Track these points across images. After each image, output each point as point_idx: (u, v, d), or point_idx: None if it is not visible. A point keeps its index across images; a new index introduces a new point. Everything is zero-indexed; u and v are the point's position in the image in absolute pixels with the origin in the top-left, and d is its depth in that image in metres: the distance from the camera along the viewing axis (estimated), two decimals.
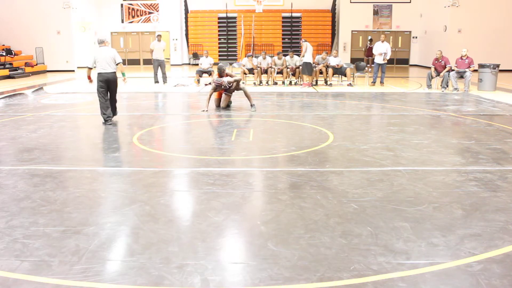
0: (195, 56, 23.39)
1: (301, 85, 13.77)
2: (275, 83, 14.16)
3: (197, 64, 16.54)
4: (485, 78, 12.65)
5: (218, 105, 9.54)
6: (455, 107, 9.81)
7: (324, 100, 11.03)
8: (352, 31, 23.51)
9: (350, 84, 13.90)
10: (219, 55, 23.64)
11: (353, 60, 20.06)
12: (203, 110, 9.06)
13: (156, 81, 14.48)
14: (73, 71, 20.20)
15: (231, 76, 9.55)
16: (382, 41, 13.85)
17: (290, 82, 14.33)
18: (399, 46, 23.75)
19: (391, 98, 11.41)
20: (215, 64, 15.40)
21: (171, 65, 23.41)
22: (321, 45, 23.40)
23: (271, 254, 3.04)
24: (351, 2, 23.12)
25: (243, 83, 12.79)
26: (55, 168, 5.11)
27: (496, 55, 17.51)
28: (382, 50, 13.69)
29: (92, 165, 5.34)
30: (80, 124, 8.37)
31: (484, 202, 4.03)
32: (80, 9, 21.18)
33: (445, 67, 12.79)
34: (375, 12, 23.34)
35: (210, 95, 9.32)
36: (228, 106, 9.49)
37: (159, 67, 14.22)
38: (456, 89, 12.44)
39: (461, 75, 12.58)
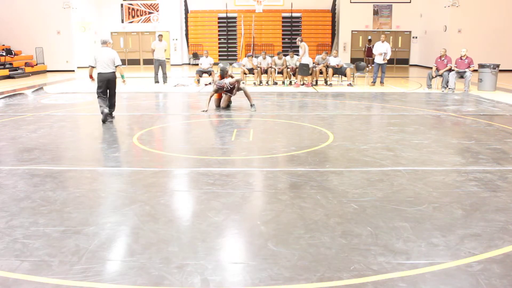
0: (195, 56, 23.39)
1: (302, 84, 13.78)
2: (275, 83, 14.16)
3: (197, 64, 16.54)
4: (485, 78, 12.65)
5: (218, 105, 9.54)
6: (455, 107, 9.81)
7: (324, 100, 11.03)
8: (352, 31, 23.51)
9: (350, 84, 13.90)
10: (219, 55, 23.64)
11: (353, 60, 20.08)
12: (203, 110, 9.06)
13: (157, 81, 14.48)
14: (73, 71, 20.20)
15: (231, 77, 9.55)
16: (382, 41, 13.85)
17: (290, 82, 14.33)
18: (399, 46, 23.75)
19: (391, 98, 11.41)
20: (215, 64, 15.42)
21: (171, 65, 23.41)
22: (321, 45, 23.41)
23: (271, 254, 3.04)
24: (351, 2, 23.12)
25: (243, 83, 12.80)
26: (55, 168, 5.11)
27: (496, 55, 17.51)
28: (382, 50, 13.69)
29: (92, 165, 5.34)
30: (80, 124, 8.37)
31: (484, 202, 4.03)
32: (80, 9, 21.18)
33: (447, 66, 12.79)
34: (375, 12, 23.35)
35: (211, 97, 9.32)
36: (228, 106, 9.49)
37: (160, 67, 14.23)
38: (450, 89, 12.42)
39: (461, 75, 12.58)
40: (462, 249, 3.12)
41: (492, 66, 12.58)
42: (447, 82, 12.62)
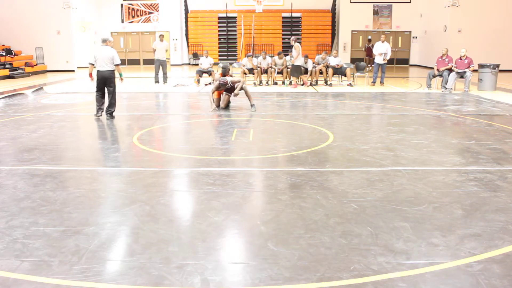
0: (195, 56, 23.39)
1: (301, 84, 13.78)
2: (275, 83, 14.16)
3: (197, 64, 16.54)
4: (485, 78, 12.65)
5: (217, 105, 9.54)
6: (455, 107, 9.81)
7: (324, 100, 11.03)
8: (352, 31, 23.51)
9: (350, 84, 13.90)
10: (219, 55, 23.64)
11: (353, 60, 20.07)
12: (212, 110, 9.14)
13: (157, 81, 14.49)
14: (73, 71, 20.20)
15: (231, 77, 9.57)
16: (382, 41, 13.85)
17: (290, 82, 14.32)
18: (399, 46, 23.75)
19: (391, 98, 11.41)
20: (215, 64, 15.43)
21: (171, 65, 23.41)
22: (321, 45, 23.41)
23: (271, 254, 3.04)
24: (351, 2, 23.12)
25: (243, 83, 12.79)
26: (55, 168, 5.11)
27: (496, 55, 17.51)
28: (382, 50, 13.69)
29: (92, 165, 5.35)
30: (80, 124, 8.37)
31: (484, 202, 4.03)
32: (80, 9, 21.18)
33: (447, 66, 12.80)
34: (375, 12, 23.35)
35: (213, 93, 9.35)
36: (227, 106, 9.49)
37: (161, 67, 14.23)
38: (448, 89, 12.40)
39: (461, 75, 12.58)
40: (462, 249, 3.12)
41: (492, 66, 12.58)
42: (447, 82, 12.62)
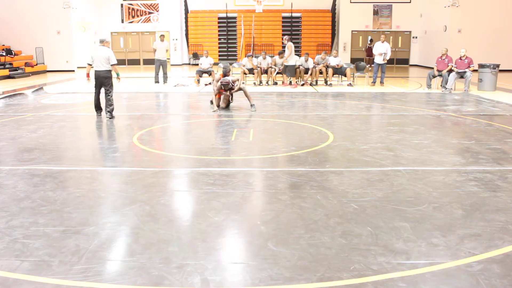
0: (195, 56, 23.39)
1: (302, 84, 13.77)
2: (275, 83, 14.16)
3: (197, 64, 16.54)
4: (485, 78, 12.65)
5: (218, 105, 9.54)
6: (455, 107, 9.81)
7: (324, 100, 11.03)
8: (352, 31, 23.51)
9: (350, 84, 13.91)
10: (219, 55, 23.64)
11: (353, 60, 20.07)
12: (213, 111, 9.12)
13: (157, 81, 14.48)
14: (73, 71, 20.20)
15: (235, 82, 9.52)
16: (382, 41, 13.85)
17: (290, 82, 14.32)
18: (399, 46, 23.75)
19: (391, 98, 11.41)
20: (215, 64, 15.42)
21: (171, 65, 23.40)
22: (321, 45, 23.41)
23: (271, 254, 3.04)
24: (351, 2, 23.12)
25: (243, 82, 12.80)
26: (55, 168, 5.11)
27: (496, 55, 17.51)
28: (382, 50, 13.69)
29: (92, 165, 5.35)
30: (80, 124, 8.37)
31: (484, 202, 4.03)
32: (80, 9, 21.17)
33: (448, 66, 12.79)
34: (375, 12, 23.35)
35: (216, 95, 9.34)
36: (227, 106, 9.49)
37: (161, 67, 14.24)
38: (447, 89, 12.39)
39: (461, 75, 12.58)
40: (462, 249, 3.12)
41: (492, 66, 12.58)
42: (447, 82, 12.62)
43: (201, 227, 3.49)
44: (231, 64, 16.79)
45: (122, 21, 24.03)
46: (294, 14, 23.90)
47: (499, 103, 10.31)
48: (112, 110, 8.42)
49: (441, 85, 12.97)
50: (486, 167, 5.17)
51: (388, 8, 23.27)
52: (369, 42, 20.65)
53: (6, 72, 16.56)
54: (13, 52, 18.47)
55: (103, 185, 4.63)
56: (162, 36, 14.59)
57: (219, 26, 24.11)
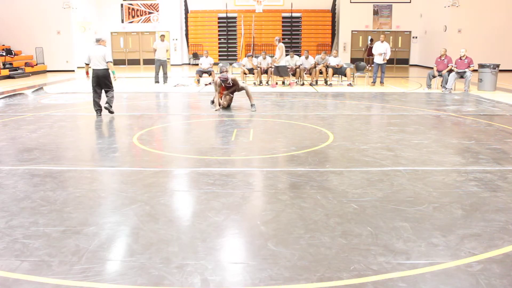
0: (195, 56, 23.39)
1: (289, 84, 13.75)
2: (275, 83, 14.16)
3: (197, 64, 16.54)
4: (485, 78, 12.65)
5: (219, 104, 9.54)
6: (455, 107, 9.81)
7: (324, 100, 11.04)
8: (352, 31, 23.51)
9: (350, 84, 13.91)
10: (219, 55, 23.64)
11: (353, 60, 20.07)
12: (216, 110, 9.18)
13: (157, 81, 14.48)
14: (73, 71, 20.20)
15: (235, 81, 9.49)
16: (382, 41, 13.85)
17: (283, 82, 14.32)
18: (399, 46, 23.75)
19: (391, 98, 11.41)
20: (215, 64, 15.42)
21: (171, 65, 23.41)
22: (321, 45, 23.41)
23: (271, 254, 3.04)
24: (351, 2, 23.13)
25: (243, 82, 12.81)
26: (55, 168, 5.11)
27: (496, 55, 17.51)
28: (381, 50, 13.69)
29: (92, 165, 5.34)
30: (80, 124, 8.37)
31: (484, 202, 4.03)
32: (80, 9, 21.18)
33: (447, 66, 12.79)
34: (375, 12, 23.35)
35: (218, 93, 9.37)
36: (228, 106, 9.49)
37: (161, 66, 14.24)
38: (447, 89, 12.39)
39: (461, 75, 12.58)
40: (462, 249, 3.12)
41: (492, 66, 12.58)
42: (447, 82, 12.62)
43: (201, 227, 3.49)
44: (231, 64, 16.85)
45: (122, 21, 24.04)
46: (294, 14, 23.90)
47: (499, 103, 10.31)
48: (112, 101, 8.66)
49: (441, 85, 12.97)
50: (486, 167, 5.17)
51: (388, 8, 23.28)
52: (369, 42, 20.66)
53: (6, 72, 16.56)
54: (13, 52, 18.47)
55: (103, 185, 4.63)
56: (162, 36, 14.59)
57: (219, 26, 24.11)
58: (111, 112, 8.69)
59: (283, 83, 14.14)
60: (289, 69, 14.01)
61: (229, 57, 22.92)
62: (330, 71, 13.86)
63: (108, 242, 3.24)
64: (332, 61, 14.12)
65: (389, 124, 7.86)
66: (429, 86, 13.14)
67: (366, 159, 5.48)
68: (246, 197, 4.21)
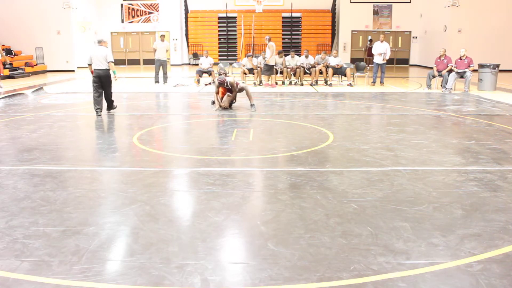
0: (195, 56, 23.39)
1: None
2: (275, 83, 14.15)
3: (197, 64, 16.54)
4: (485, 78, 12.65)
5: (220, 105, 9.54)
6: (455, 107, 9.81)
7: (324, 100, 11.04)
8: (352, 31, 23.51)
9: (350, 84, 13.91)
10: (219, 55, 23.64)
11: (353, 60, 20.07)
12: (216, 109, 9.32)
13: (157, 81, 14.48)
14: (73, 71, 20.20)
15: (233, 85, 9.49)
16: (381, 41, 13.85)
17: (290, 82, 14.34)
18: (399, 46, 23.75)
19: (391, 98, 11.41)
20: (215, 64, 15.42)
21: (171, 65, 23.40)
22: (321, 45, 23.40)
23: (271, 254, 3.04)
24: (351, 2, 23.12)
25: (243, 82, 12.81)
26: (55, 168, 5.11)
27: (496, 55, 17.51)
28: (381, 50, 13.69)
29: (92, 165, 5.34)
30: (80, 124, 8.37)
31: (484, 202, 4.03)
32: (80, 9, 21.18)
33: (447, 66, 12.80)
34: (375, 12, 23.35)
35: (216, 93, 9.43)
36: (229, 106, 9.48)
37: (161, 66, 14.24)
38: (447, 89, 12.39)
39: (461, 75, 12.58)
40: (462, 249, 3.12)
41: (492, 66, 12.58)
42: (447, 82, 12.62)
43: (201, 227, 3.49)
44: (231, 64, 16.85)
45: (122, 21, 24.04)
46: (294, 14, 23.90)
47: (499, 103, 10.31)
48: (111, 104, 8.98)
49: (441, 85, 12.97)
50: (486, 167, 5.17)
51: (388, 8, 23.28)
52: (369, 42, 20.66)
53: (6, 72, 16.55)
54: (13, 52, 18.47)
55: (103, 185, 4.63)
56: (162, 36, 14.59)
57: (219, 26, 24.11)
58: (113, 108, 9.09)
59: (283, 83, 14.13)
60: (289, 69, 14.03)
61: (229, 57, 22.92)
62: (330, 71, 13.86)
63: (108, 242, 3.24)
64: (332, 61, 14.12)
65: (389, 124, 7.86)
66: (429, 86, 13.14)
67: (366, 159, 5.48)
68: (246, 197, 4.21)
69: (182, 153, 5.98)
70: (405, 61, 23.87)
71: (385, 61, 13.95)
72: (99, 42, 8.87)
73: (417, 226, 3.51)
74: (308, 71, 14.17)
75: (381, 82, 14.11)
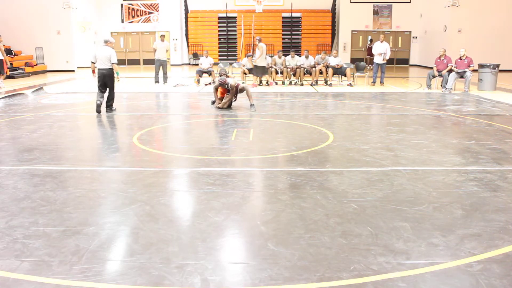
0: (195, 56, 23.39)
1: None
2: (275, 83, 14.16)
3: (197, 64, 16.54)
4: (485, 78, 12.65)
5: (219, 104, 9.54)
6: (455, 107, 9.81)
7: (324, 100, 11.03)
8: (352, 31, 23.51)
9: (350, 84, 13.91)
10: (219, 55, 23.63)
11: (353, 60, 20.07)
12: (213, 101, 9.70)
13: (157, 81, 14.48)
14: (73, 71, 20.20)
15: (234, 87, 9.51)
16: (381, 41, 13.85)
17: (290, 82, 14.34)
18: (399, 46, 23.75)
19: (391, 98, 11.41)
20: (215, 64, 15.42)
21: (171, 65, 23.40)
22: (321, 45, 23.41)
23: (271, 254, 3.04)
24: (351, 2, 23.13)
25: (243, 82, 12.81)
26: (55, 168, 5.11)
27: (496, 55, 17.51)
28: (381, 50, 13.69)
29: (92, 165, 5.34)
30: (80, 124, 8.37)
31: (484, 202, 4.03)
32: (80, 9, 21.18)
33: (447, 66, 12.80)
34: (375, 12, 23.35)
35: (216, 90, 9.52)
36: (229, 106, 9.49)
37: (161, 66, 14.24)
38: (447, 89, 12.38)
39: (461, 75, 12.58)
40: (462, 249, 3.12)
41: (492, 66, 12.58)
42: (447, 82, 12.61)
43: (201, 227, 3.49)
44: (231, 64, 16.85)
45: (122, 21, 24.04)
46: (294, 14, 23.90)
47: (499, 103, 10.31)
48: (111, 104, 9.09)
49: (441, 85, 12.97)
50: (486, 167, 5.17)
51: (388, 8, 23.28)
52: (369, 42, 20.66)
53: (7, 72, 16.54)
54: (13, 52, 18.47)
55: (103, 185, 4.62)
56: (162, 36, 14.59)
57: (219, 26, 24.11)
58: (112, 110, 9.16)
59: (283, 82, 14.14)
60: (289, 69, 14.04)
61: (229, 57, 22.92)
62: (330, 71, 13.86)
63: (108, 242, 3.23)
64: (332, 61, 14.12)
65: (389, 124, 7.86)
66: (429, 86, 13.14)
67: (366, 159, 5.48)
68: (246, 197, 4.21)
69: (182, 153, 5.98)
70: (405, 61, 23.87)
71: (385, 61, 13.95)
72: (105, 42, 9.01)
73: (417, 226, 3.51)
74: (308, 72, 14.17)
75: (381, 82, 14.11)
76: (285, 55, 14.58)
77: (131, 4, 23.88)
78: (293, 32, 23.96)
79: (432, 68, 13.61)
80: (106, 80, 8.88)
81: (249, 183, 4.61)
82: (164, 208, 3.94)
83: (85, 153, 6.10)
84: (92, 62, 9.04)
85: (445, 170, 5.03)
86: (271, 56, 15.03)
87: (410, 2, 23.06)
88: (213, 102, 9.78)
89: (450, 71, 12.69)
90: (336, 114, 9.00)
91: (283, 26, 24.09)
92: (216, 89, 9.57)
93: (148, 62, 23.60)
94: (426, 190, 4.34)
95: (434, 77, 13.19)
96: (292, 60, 14.14)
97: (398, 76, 18.32)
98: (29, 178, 4.73)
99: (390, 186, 4.46)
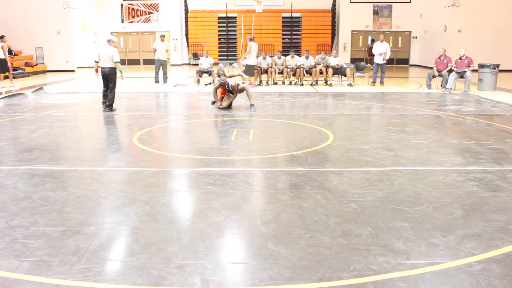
0: (195, 56, 23.39)
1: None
2: (275, 83, 14.16)
3: (197, 64, 16.55)
4: (485, 78, 12.65)
5: (220, 105, 9.55)
6: (455, 107, 9.81)
7: (324, 100, 11.03)
8: (352, 31, 23.51)
9: (350, 84, 13.91)
10: (219, 55, 23.64)
11: (353, 60, 20.08)
12: (213, 102, 9.77)
13: (157, 81, 14.48)
14: (73, 71, 20.19)
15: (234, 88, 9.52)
16: (381, 41, 13.85)
17: (290, 82, 14.34)
18: (399, 46, 23.75)
19: (391, 98, 11.41)
20: (215, 64, 15.42)
21: (171, 65, 23.40)
22: (321, 45, 23.41)
23: (271, 254, 3.04)
24: (351, 2, 23.12)
25: (243, 82, 12.80)
26: (55, 168, 5.11)
27: (496, 55, 17.50)
28: (381, 50, 13.69)
29: (92, 165, 5.34)
30: (80, 124, 8.37)
31: (484, 202, 4.03)
32: (80, 9, 21.18)
33: (447, 66, 12.79)
34: (375, 12, 23.35)
35: (216, 91, 9.48)
36: (229, 106, 9.49)
37: (161, 66, 14.24)
38: (447, 89, 12.38)
39: (461, 75, 12.58)
40: (462, 249, 3.12)
41: (492, 66, 12.58)
42: (447, 82, 12.61)
43: (201, 227, 3.49)
44: (231, 64, 16.85)
45: (122, 21, 24.04)
46: (294, 14, 23.90)
47: (499, 103, 10.31)
48: (111, 104, 9.17)
49: (441, 85, 12.97)
50: (486, 167, 5.17)
51: (388, 8, 23.28)
52: (369, 42, 20.67)
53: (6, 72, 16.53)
54: (13, 52, 18.45)
55: (103, 185, 4.62)
56: (162, 36, 14.59)
57: (219, 26, 24.11)
58: (112, 110, 9.19)
59: (283, 82, 14.14)
60: (289, 69, 14.04)
61: (229, 57, 22.92)
62: (330, 71, 13.86)
63: (108, 242, 3.24)
64: (332, 61, 14.12)
65: (389, 124, 7.86)
66: (429, 86, 13.14)
67: (366, 159, 5.48)
68: (246, 197, 4.21)
69: (182, 153, 5.98)
70: (405, 61, 23.87)
71: (385, 61, 13.95)
72: (108, 41, 9.18)
73: (417, 226, 3.51)
74: (308, 72, 14.17)
75: (381, 82, 14.11)
76: (285, 55, 14.58)
77: (131, 4, 23.88)
78: (293, 32, 23.96)
79: (432, 68, 13.61)
80: (108, 79, 9.07)
81: (249, 183, 4.61)
82: (164, 208, 3.94)
83: (85, 153, 6.10)
84: (95, 61, 9.28)
85: (445, 170, 5.03)
86: (271, 56, 15.02)
87: (410, 2, 23.06)
88: (213, 103, 9.79)
89: (450, 71, 12.69)
90: (336, 114, 9.00)
91: (283, 26, 24.09)
92: (216, 90, 9.55)
93: (148, 62, 23.60)
94: (426, 190, 4.34)
95: (434, 77, 13.19)
96: (292, 60, 14.14)
97: (398, 76, 18.32)
98: (29, 178, 4.73)
99: (390, 186, 4.46)
